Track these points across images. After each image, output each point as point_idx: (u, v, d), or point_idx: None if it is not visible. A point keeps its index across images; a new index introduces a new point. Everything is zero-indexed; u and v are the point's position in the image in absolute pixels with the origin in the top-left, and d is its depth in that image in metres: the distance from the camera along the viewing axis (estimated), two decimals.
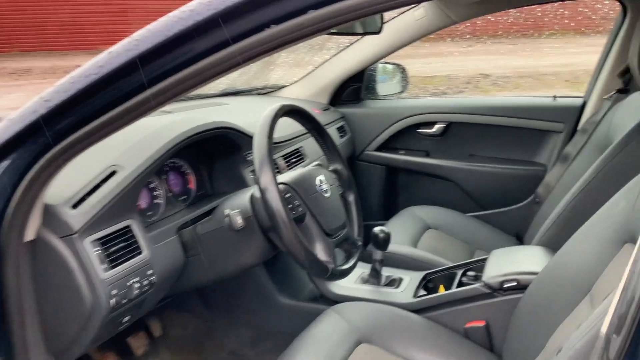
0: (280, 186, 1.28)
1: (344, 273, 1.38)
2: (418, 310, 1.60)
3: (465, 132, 2.45)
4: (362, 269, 1.74)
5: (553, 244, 1.70)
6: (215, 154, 1.64)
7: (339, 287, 1.75)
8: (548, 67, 9.47)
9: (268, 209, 1.20)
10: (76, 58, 10.09)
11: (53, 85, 0.87)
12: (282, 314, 1.79)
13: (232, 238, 1.34)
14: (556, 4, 2.30)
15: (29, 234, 0.97)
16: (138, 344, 1.73)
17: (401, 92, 2.64)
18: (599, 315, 0.87)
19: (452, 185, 2.47)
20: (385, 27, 2.28)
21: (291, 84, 2.56)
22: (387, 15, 2.22)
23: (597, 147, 1.93)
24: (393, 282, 1.75)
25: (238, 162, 1.65)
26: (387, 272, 1.76)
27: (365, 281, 1.76)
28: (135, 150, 1.29)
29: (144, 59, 0.81)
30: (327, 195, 1.40)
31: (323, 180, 1.41)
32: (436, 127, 2.46)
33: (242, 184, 1.62)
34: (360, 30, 1.99)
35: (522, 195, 2.35)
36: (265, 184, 1.21)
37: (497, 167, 2.39)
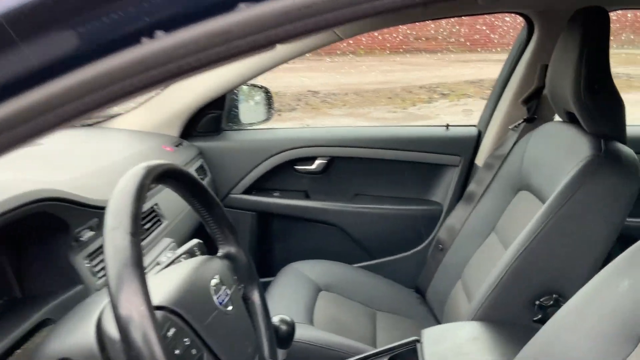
0: (157, 314, 0.73)
1: None
2: None
3: (349, 168, 2.08)
4: None
5: (493, 317, 1.39)
6: (27, 235, 1.03)
7: None
8: (369, 84, 9.80)
9: (134, 358, 0.66)
10: None
11: None
12: None
13: None
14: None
15: None
16: None
17: (266, 119, 2.19)
18: None
19: (337, 231, 2.08)
20: None
21: (129, 111, 1.96)
22: None
23: (508, 186, 1.68)
24: None
25: (65, 245, 1.06)
26: None
27: None
28: None
29: None
30: (229, 310, 0.89)
31: (220, 285, 0.90)
32: (316, 163, 2.06)
33: (72, 280, 1.04)
34: None
35: (417, 239, 2.05)
36: (128, 312, 0.65)
37: (387, 208, 2.06)
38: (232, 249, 1.02)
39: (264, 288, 1.71)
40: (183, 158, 1.78)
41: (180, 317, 0.78)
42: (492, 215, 1.71)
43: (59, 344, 0.78)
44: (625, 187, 1.32)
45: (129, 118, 1.95)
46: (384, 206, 2.06)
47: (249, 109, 2.17)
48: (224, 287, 0.90)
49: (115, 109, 2.04)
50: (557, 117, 1.68)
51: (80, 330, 0.79)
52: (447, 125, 2.05)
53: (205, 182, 1.89)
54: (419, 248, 2.05)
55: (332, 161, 2.06)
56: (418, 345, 1.33)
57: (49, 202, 0.96)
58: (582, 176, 1.32)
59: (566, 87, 1.38)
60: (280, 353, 1.21)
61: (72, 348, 0.75)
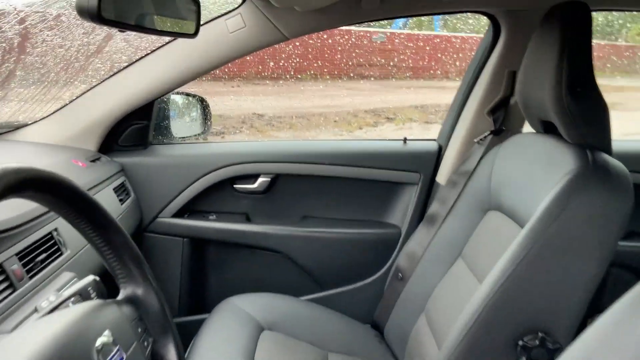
0: None
1: None
2: None
3: (296, 186, 1.84)
4: None
5: None
6: None
7: None
8: (315, 108, 9.74)
9: None
10: None
11: None
12: None
13: None
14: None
15: None
16: None
17: (202, 133, 1.93)
18: None
19: (283, 259, 1.82)
20: (182, 42, 1.58)
21: (37, 121, 1.66)
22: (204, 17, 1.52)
23: (476, 205, 1.48)
24: None
25: None
26: None
27: None
28: None
29: None
30: None
31: (110, 346, 0.63)
32: (259, 182, 1.80)
33: None
34: (173, 29, 1.24)
35: (374, 266, 1.82)
36: None
37: (338, 232, 1.82)
38: (137, 290, 0.76)
39: (196, 327, 1.43)
40: (97, 175, 1.50)
41: None
42: (457, 238, 1.50)
43: None
44: (618, 204, 1.13)
45: (37, 129, 1.65)
46: (335, 230, 1.82)
47: (181, 120, 1.91)
48: (116, 348, 0.63)
49: (20, 118, 1.73)
50: (527, 128, 1.51)
51: None
52: (405, 139, 1.85)
53: (127, 205, 1.61)
54: (375, 277, 1.82)
55: (277, 179, 1.81)
56: None
57: None
58: (568, 193, 1.12)
59: (543, 93, 1.20)
60: None
61: None
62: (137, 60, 1.62)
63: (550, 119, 1.24)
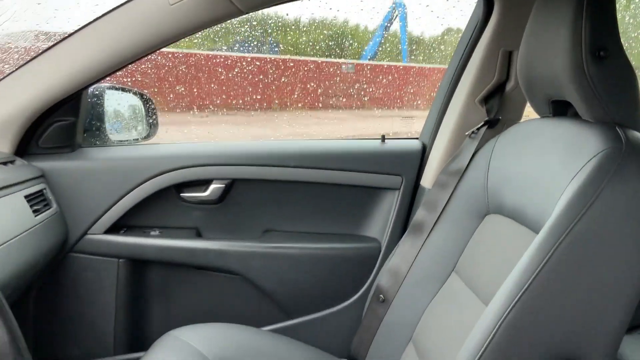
0: None
1: None
2: None
3: (257, 194, 1.56)
4: None
5: None
6: None
7: None
8: (285, 136, 9.67)
9: None
10: None
11: None
12: None
13: None
14: None
15: None
16: None
17: (147, 137, 1.65)
18: None
19: (240, 281, 1.53)
20: (115, 16, 1.31)
21: None
22: None
23: (471, 209, 1.24)
24: None
25: None
26: None
27: None
28: None
29: None
30: None
31: None
32: (211, 189, 1.51)
33: None
34: None
35: (349, 288, 1.54)
36: None
37: (306, 248, 1.54)
38: None
39: None
40: (6, 178, 1.20)
41: None
42: (450, 250, 1.25)
43: None
44: None
45: None
46: (303, 245, 1.54)
47: (119, 121, 1.62)
48: None
49: None
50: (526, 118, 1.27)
51: None
52: (383, 137, 1.59)
53: (46, 218, 1.31)
54: (351, 301, 1.54)
55: (233, 185, 1.53)
56: None
57: None
58: (598, 181, 0.87)
59: (554, 64, 0.97)
60: None
61: None
62: (56, 44, 1.34)
63: (565, 96, 1.00)
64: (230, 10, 1.29)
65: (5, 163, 1.30)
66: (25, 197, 1.26)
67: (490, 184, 1.19)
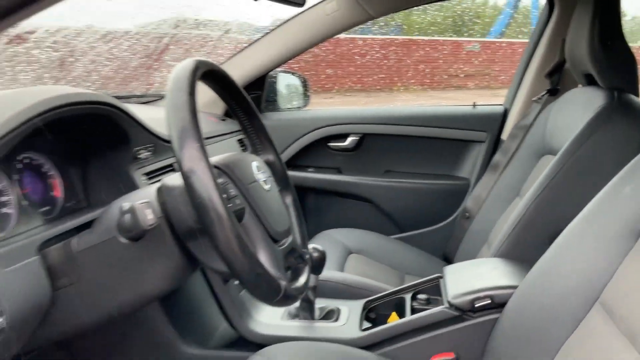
0: None
1: (299, 293, 0.98)
2: (368, 346, 1.26)
3: (380, 144, 2.19)
4: None
5: (512, 255, 1.46)
6: (92, 148, 1.17)
7: (263, 325, 1.35)
8: None
9: (196, 198, 0.78)
10: None
11: None
12: None
13: (128, 253, 0.89)
14: None
15: None
16: None
17: (303, 106, 2.34)
18: None
19: (369, 205, 2.18)
20: (291, 23, 1.99)
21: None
22: (295, 9, 1.93)
23: (532, 152, 1.76)
24: (330, 315, 1.38)
25: (126, 160, 1.19)
26: (318, 302, 1.40)
27: (294, 316, 1.38)
28: None
29: None
30: (267, 187, 1.00)
31: (260, 168, 1.02)
32: (349, 140, 2.18)
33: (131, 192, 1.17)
34: None
35: (445, 212, 2.12)
36: (191, 163, 0.79)
37: (416, 183, 2.15)
38: (270, 157, 1.15)
39: None
40: (225, 128, 1.93)
41: (227, 174, 0.92)
42: (516, 181, 1.78)
43: (124, 200, 0.92)
44: (637, 133, 1.39)
45: None
46: (413, 181, 2.15)
47: (286, 94, 2.32)
48: (262, 171, 1.02)
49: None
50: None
51: (142, 192, 0.94)
52: (474, 104, 2.15)
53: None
54: (447, 222, 2.12)
55: (364, 138, 2.18)
56: (441, 280, 1.41)
57: (111, 108, 1.10)
58: (593, 124, 1.41)
59: (582, 48, 1.48)
60: (313, 278, 1.32)
61: (134, 199, 0.89)
62: (253, 42, 2.06)
63: (589, 70, 1.51)
64: (366, 16, 1.92)
65: (223, 119, 2.04)
66: (238, 141, 1.99)
67: (546, 133, 1.71)
